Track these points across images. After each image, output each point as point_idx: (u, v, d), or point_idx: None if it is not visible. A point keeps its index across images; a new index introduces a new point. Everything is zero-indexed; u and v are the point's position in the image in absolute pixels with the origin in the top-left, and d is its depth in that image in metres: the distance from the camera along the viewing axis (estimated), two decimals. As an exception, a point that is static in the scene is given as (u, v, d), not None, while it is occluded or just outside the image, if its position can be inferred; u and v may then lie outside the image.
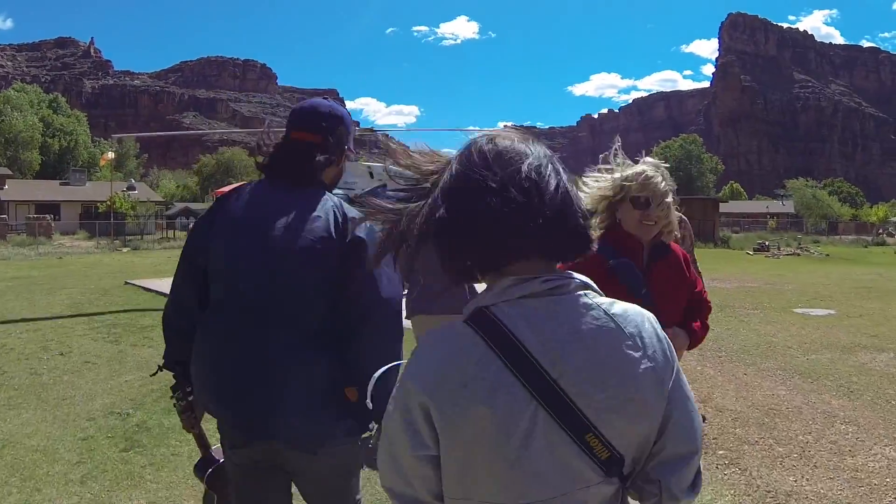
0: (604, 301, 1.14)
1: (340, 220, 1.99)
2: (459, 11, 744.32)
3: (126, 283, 14.41)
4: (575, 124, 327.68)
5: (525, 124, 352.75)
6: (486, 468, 1.08)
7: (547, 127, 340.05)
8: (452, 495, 1.12)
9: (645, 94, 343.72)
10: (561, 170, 1.16)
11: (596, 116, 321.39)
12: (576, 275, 1.15)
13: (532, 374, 1.06)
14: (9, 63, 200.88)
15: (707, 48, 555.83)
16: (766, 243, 32.69)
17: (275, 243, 1.93)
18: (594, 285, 1.16)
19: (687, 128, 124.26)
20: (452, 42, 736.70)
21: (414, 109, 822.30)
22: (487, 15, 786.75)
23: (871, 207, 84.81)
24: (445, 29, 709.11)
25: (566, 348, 1.08)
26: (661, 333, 1.16)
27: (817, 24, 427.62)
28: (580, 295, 1.13)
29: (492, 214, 1.08)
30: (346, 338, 1.93)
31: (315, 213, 1.98)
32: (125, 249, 29.76)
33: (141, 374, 6.26)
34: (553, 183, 1.12)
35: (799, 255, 28.84)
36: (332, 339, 1.95)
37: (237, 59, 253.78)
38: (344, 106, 2.38)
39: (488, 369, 1.07)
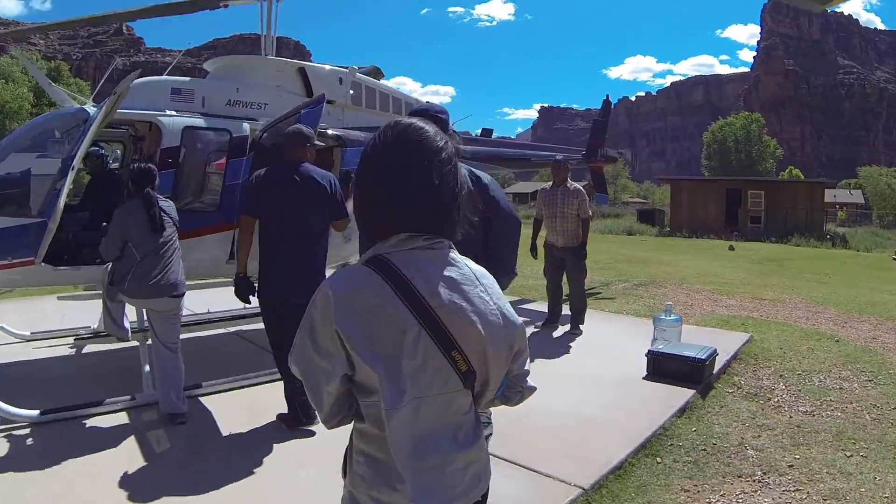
0: (465, 259, 1.53)
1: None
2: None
3: None
4: (612, 107, 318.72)
5: (561, 105, 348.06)
6: (385, 375, 1.39)
7: (583, 109, 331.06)
8: (360, 396, 1.47)
9: (681, 77, 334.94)
10: (452, 169, 1.48)
11: (633, 99, 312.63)
12: (447, 240, 1.50)
13: (417, 304, 1.41)
14: (41, 41, 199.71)
15: (743, 33, 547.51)
16: (916, 246, 24.10)
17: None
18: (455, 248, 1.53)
19: (726, 113, 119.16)
20: (488, 24, 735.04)
21: (449, 90, 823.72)
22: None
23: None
24: (481, 10, 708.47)
25: (440, 286, 1.43)
26: (503, 296, 1.56)
27: (857, 10, 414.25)
28: (450, 252, 1.51)
29: (378, 198, 1.47)
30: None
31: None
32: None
33: None
34: (434, 181, 1.45)
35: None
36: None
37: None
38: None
39: (386, 299, 1.40)
